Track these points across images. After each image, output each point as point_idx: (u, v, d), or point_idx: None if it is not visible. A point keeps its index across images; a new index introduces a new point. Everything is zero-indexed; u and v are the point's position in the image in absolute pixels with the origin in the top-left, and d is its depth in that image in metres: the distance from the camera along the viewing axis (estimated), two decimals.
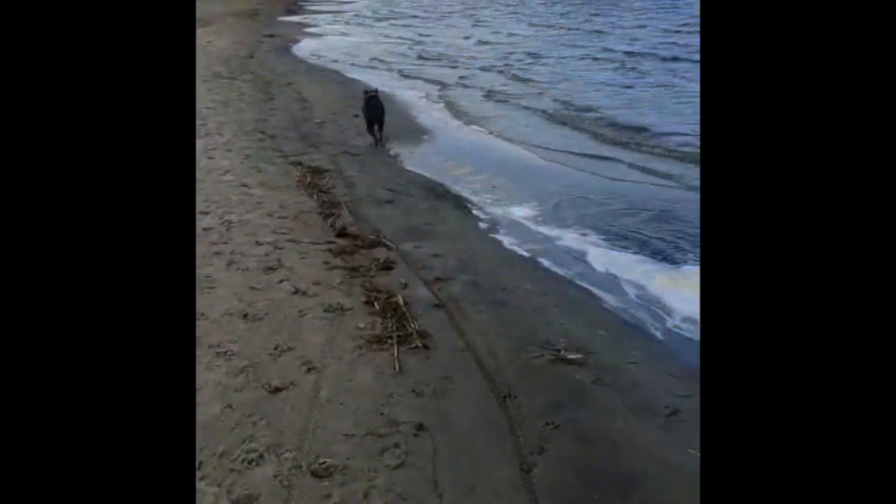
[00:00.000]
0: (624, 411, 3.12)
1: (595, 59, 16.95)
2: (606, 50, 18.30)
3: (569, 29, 24.69)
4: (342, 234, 5.28)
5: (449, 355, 3.54)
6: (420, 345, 3.59)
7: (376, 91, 9.00)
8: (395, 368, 3.37)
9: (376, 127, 8.74)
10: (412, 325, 3.79)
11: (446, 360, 3.50)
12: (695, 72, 14.34)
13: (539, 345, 3.67)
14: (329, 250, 4.93)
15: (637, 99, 11.70)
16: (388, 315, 3.89)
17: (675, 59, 16.27)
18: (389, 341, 3.61)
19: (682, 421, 3.06)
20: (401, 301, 4.08)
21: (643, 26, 24.21)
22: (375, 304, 4.04)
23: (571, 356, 3.54)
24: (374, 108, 8.69)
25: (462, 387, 3.26)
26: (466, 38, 23.50)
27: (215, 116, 9.72)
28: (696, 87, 12.50)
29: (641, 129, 9.34)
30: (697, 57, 14.42)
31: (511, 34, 23.69)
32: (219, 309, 3.91)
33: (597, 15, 29.21)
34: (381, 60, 18.02)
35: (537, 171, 7.75)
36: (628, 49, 18.19)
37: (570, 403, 3.16)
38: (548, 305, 4.24)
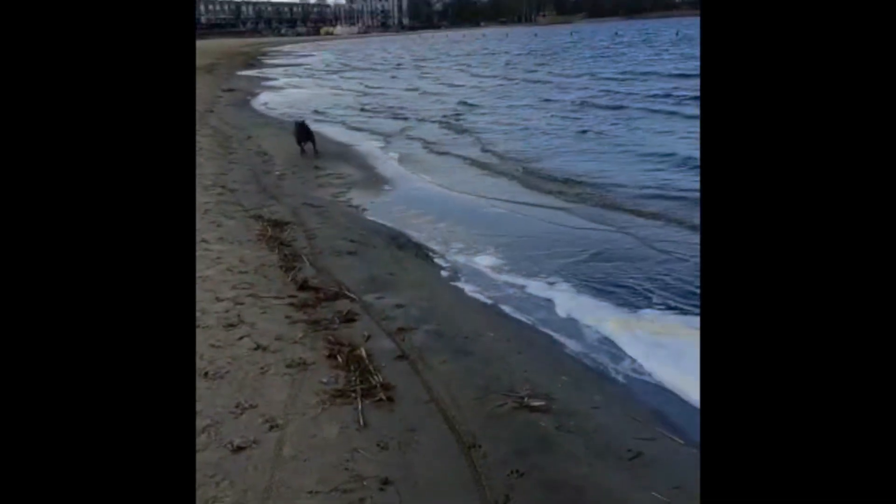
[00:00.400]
0: (588, 456, 3.14)
1: (534, 108, 17.49)
2: (547, 101, 18.89)
3: (510, 80, 25.39)
4: (304, 286, 5.27)
5: (413, 407, 3.54)
6: (384, 397, 3.58)
7: (303, 120, 12.15)
8: (359, 422, 3.36)
9: (308, 144, 11.69)
10: (376, 377, 3.79)
11: (411, 411, 3.49)
12: (637, 119, 14.79)
13: (503, 392, 3.69)
14: (291, 304, 4.91)
15: (574, 148, 12.05)
16: (352, 368, 3.89)
17: (619, 107, 16.80)
18: (353, 395, 3.60)
19: (645, 464, 3.09)
20: (364, 353, 4.08)
21: (588, 75, 24.98)
22: (338, 357, 4.03)
23: (535, 403, 3.57)
24: (303, 131, 11.68)
25: (427, 438, 3.26)
26: (412, 89, 24.12)
27: None
28: (637, 135, 12.93)
29: (581, 178, 9.55)
30: (639, 105, 14.86)
31: (453, 85, 24.32)
32: None
33: (542, 65, 30.00)
34: (331, 112, 18.32)
35: (492, 219, 7.86)
36: (569, 98, 18.83)
37: (534, 450, 3.18)
38: (510, 352, 4.28)
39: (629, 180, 9.30)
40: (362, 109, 19.25)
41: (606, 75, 25.17)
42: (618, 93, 19.80)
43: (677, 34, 59.55)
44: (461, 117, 16.42)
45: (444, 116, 16.58)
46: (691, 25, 78.53)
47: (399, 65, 36.50)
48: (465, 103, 19.11)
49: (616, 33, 74.97)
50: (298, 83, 30.04)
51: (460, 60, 35.00)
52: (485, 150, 11.98)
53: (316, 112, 18.30)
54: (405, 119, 16.63)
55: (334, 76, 32.23)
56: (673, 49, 39.87)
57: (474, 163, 11.05)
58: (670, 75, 23.81)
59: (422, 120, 16.13)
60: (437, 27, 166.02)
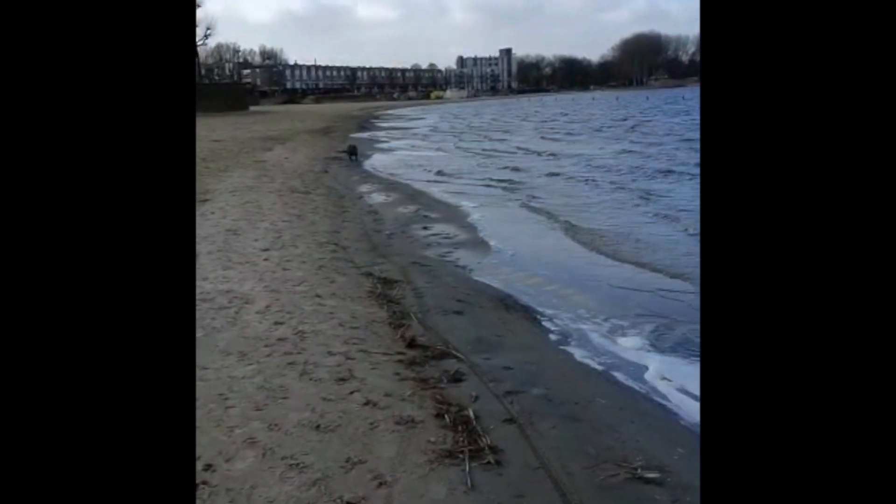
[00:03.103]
0: None
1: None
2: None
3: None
4: (412, 344, 5.32)
5: (522, 472, 3.46)
6: (492, 460, 3.53)
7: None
8: (467, 484, 3.31)
9: (353, 157, 18.17)
10: (484, 439, 3.74)
11: (519, 476, 3.42)
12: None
13: (615, 462, 3.56)
14: (400, 361, 4.96)
15: None
16: (459, 429, 3.86)
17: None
18: (461, 456, 3.56)
19: None
20: (471, 414, 4.05)
21: None
22: (446, 416, 4.02)
23: (649, 475, 3.42)
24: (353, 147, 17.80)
25: None
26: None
27: (290, 229, 10.11)
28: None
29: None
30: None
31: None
32: (292, 420, 3.96)
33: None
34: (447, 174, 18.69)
35: (604, 283, 7.74)
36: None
37: None
38: (623, 421, 4.14)
39: None
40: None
41: None
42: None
43: None
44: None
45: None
46: None
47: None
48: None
49: None
50: (406, 146, 31.03)
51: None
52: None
53: (439, 172, 18.87)
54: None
55: (456, 138, 33.19)
56: None
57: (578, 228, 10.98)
58: None
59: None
60: (545, 91, 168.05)
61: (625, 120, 43.76)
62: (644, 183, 15.68)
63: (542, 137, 32.23)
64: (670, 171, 17.24)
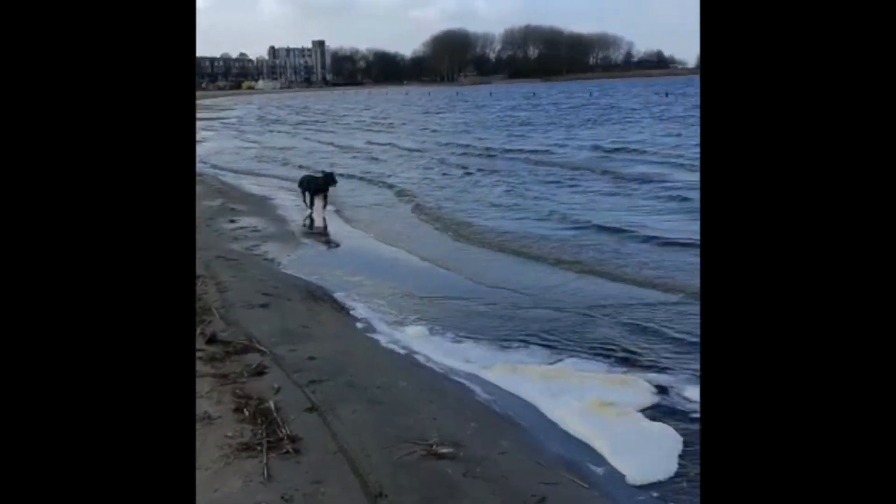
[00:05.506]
0: (494, 502, 3.17)
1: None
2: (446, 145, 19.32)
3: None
4: (212, 340, 5.16)
5: (320, 458, 3.49)
6: (291, 449, 3.53)
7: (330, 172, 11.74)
8: (263, 475, 3.29)
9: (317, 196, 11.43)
10: (283, 430, 3.73)
11: (318, 463, 3.45)
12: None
13: (412, 441, 3.69)
14: (199, 358, 4.80)
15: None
16: (259, 421, 3.82)
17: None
18: (259, 448, 3.53)
19: None
20: (272, 406, 4.02)
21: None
22: (245, 410, 3.95)
23: (443, 450, 3.58)
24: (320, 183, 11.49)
25: (333, 489, 3.21)
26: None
27: None
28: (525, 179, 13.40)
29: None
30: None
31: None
32: None
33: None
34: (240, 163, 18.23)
35: (411, 271, 7.95)
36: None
37: (441, 498, 3.18)
38: (422, 401, 4.29)
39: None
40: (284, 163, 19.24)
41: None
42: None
43: (591, 95, 62.15)
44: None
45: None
46: (606, 87, 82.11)
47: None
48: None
49: (534, 93, 77.65)
50: (215, 136, 29.85)
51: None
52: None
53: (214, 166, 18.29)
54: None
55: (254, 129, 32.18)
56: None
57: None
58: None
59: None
60: (360, 84, 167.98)
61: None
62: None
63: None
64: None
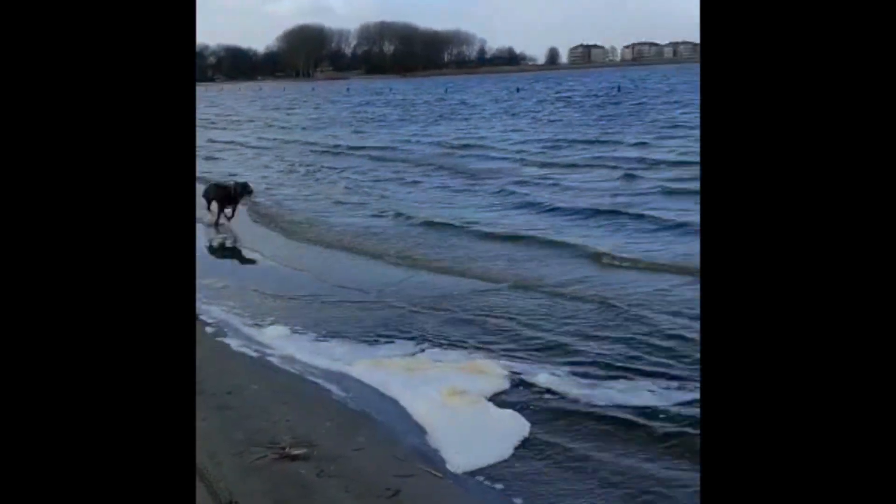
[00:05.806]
0: (347, 499, 3.15)
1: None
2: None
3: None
4: None
5: None
6: None
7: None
8: None
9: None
10: None
11: None
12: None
13: (264, 444, 3.60)
14: None
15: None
16: None
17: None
18: None
19: (402, 501, 3.16)
20: None
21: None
22: None
23: (295, 452, 3.52)
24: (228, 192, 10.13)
25: None
26: None
27: None
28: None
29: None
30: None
31: None
32: None
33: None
34: None
35: (260, 273, 7.77)
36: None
37: (294, 499, 3.14)
38: (275, 403, 4.19)
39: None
40: None
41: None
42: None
43: (446, 91, 63.24)
44: None
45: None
46: (460, 83, 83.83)
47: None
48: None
49: (390, 89, 77.91)
50: None
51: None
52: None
53: None
54: None
55: None
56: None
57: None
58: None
59: None
60: (211, 80, 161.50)
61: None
62: None
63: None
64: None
